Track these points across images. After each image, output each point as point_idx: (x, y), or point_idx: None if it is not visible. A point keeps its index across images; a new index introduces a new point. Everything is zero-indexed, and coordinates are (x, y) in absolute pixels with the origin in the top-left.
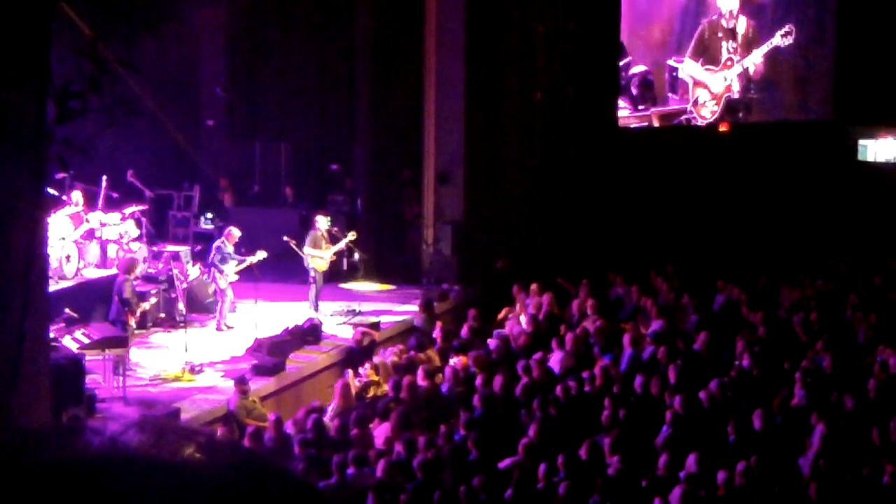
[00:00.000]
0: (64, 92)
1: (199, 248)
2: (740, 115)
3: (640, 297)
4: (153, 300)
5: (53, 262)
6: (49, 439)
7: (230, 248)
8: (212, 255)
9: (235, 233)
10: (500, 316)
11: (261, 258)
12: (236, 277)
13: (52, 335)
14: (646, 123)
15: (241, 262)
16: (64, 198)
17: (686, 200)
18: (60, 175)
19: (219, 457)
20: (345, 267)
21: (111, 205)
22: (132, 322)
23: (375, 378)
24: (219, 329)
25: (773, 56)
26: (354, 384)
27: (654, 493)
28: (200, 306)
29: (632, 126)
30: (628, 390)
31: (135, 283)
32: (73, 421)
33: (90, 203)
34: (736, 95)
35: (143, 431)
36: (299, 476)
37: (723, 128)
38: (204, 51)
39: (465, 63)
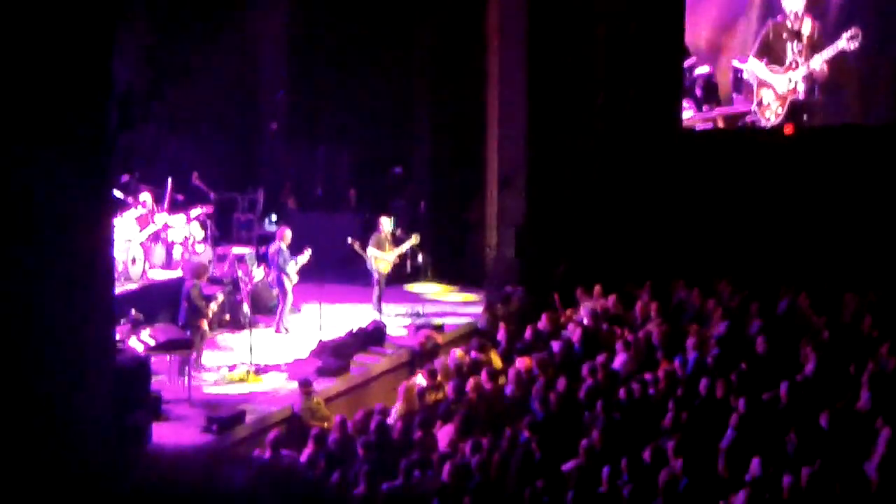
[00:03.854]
0: (126, 98)
1: (263, 250)
2: (805, 117)
3: (703, 300)
4: (220, 298)
5: (119, 264)
6: (112, 469)
7: (286, 250)
8: (277, 259)
9: (288, 233)
10: (563, 319)
11: (308, 256)
12: (297, 278)
13: (117, 337)
14: (710, 125)
15: (295, 262)
16: (130, 200)
17: (750, 204)
18: (126, 178)
19: (272, 483)
20: (408, 269)
21: (176, 207)
22: (205, 325)
23: (438, 381)
24: (277, 331)
25: (838, 59)
26: (419, 386)
27: (718, 497)
28: (265, 308)
29: (696, 128)
30: (692, 393)
31: (202, 286)
32: (136, 431)
33: (155, 205)
34: (801, 97)
35: (201, 460)
36: (352, 498)
37: (787, 130)
38: (265, 55)
39: (527, 66)
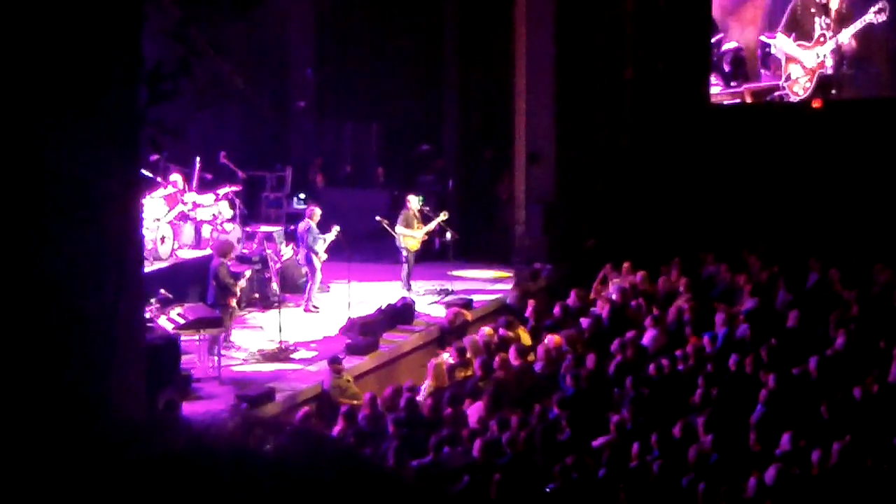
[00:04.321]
0: (155, 74)
1: (292, 228)
2: (833, 91)
3: (732, 275)
4: (247, 275)
5: (148, 244)
6: (141, 435)
7: (315, 228)
8: (306, 237)
9: (317, 211)
10: (592, 295)
11: (336, 232)
12: (326, 256)
13: (147, 316)
14: (738, 100)
15: (324, 240)
16: (159, 179)
17: (778, 178)
18: (155, 157)
19: (304, 449)
20: (437, 246)
21: (204, 186)
22: (233, 304)
23: (467, 357)
24: (306, 310)
25: (866, 32)
26: (448, 363)
27: (748, 472)
28: (294, 286)
29: (724, 103)
30: (721, 369)
31: (229, 265)
32: (167, 410)
33: (185, 184)
34: (829, 72)
35: (231, 425)
36: (385, 467)
37: (816, 104)
38: (293, 32)
39: (555, 41)
